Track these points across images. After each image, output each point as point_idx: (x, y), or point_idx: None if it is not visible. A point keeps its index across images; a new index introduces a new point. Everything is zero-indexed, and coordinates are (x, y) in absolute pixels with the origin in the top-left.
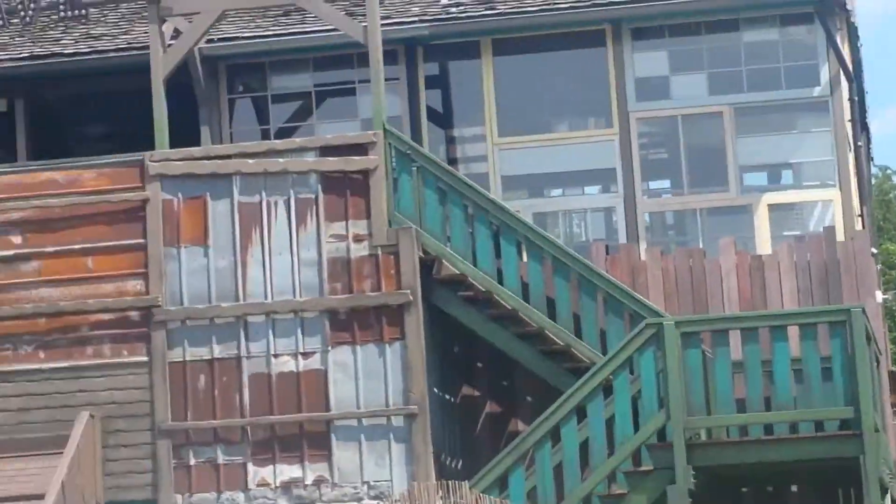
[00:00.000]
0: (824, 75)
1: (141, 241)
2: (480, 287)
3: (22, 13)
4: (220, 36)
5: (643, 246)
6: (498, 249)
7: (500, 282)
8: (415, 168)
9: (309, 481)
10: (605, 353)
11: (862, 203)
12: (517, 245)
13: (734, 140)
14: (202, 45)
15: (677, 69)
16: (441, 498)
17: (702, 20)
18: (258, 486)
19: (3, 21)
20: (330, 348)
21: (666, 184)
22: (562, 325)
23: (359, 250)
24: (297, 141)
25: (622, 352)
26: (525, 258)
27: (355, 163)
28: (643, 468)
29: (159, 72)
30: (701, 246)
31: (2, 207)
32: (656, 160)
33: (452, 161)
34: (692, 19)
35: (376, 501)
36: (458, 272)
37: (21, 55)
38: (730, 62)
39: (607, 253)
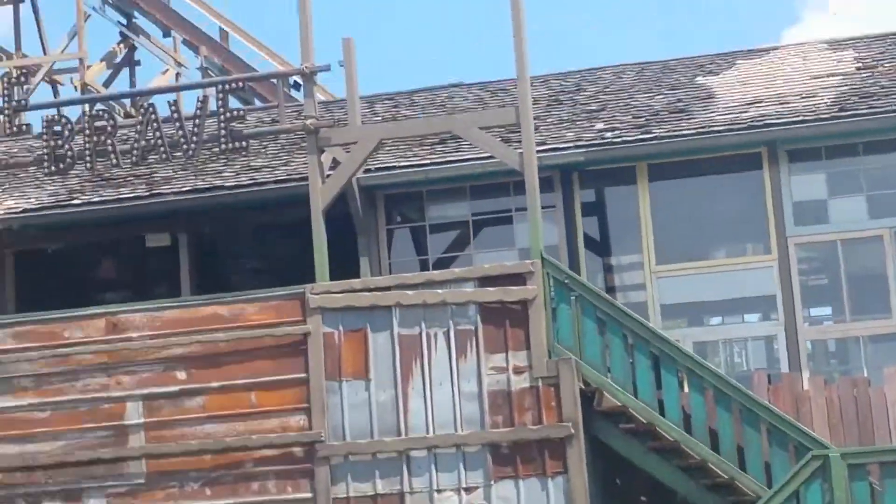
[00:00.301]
0: None
1: (303, 375)
2: (642, 419)
3: (184, 146)
4: (378, 165)
5: (806, 375)
6: (658, 380)
7: (662, 413)
8: (573, 297)
9: None
10: (770, 487)
11: None
12: (678, 375)
13: (895, 264)
14: (360, 174)
15: (835, 192)
16: None
17: (858, 141)
18: None
19: (167, 154)
20: (493, 483)
21: (827, 310)
22: (725, 457)
23: (519, 382)
24: (455, 271)
25: (788, 485)
26: (686, 388)
27: (514, 293)
28: None
29: (318, 203)
30: (865, 374)
31: (166, 343)
32: (816, 286)
33: (610, 289)
34: (849, 140)
35: None
36: (619, 403)
37: (184, 188)
38: (888, 184)
39: (770, 382)
